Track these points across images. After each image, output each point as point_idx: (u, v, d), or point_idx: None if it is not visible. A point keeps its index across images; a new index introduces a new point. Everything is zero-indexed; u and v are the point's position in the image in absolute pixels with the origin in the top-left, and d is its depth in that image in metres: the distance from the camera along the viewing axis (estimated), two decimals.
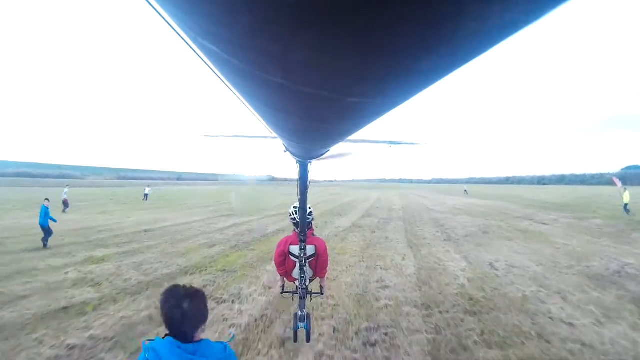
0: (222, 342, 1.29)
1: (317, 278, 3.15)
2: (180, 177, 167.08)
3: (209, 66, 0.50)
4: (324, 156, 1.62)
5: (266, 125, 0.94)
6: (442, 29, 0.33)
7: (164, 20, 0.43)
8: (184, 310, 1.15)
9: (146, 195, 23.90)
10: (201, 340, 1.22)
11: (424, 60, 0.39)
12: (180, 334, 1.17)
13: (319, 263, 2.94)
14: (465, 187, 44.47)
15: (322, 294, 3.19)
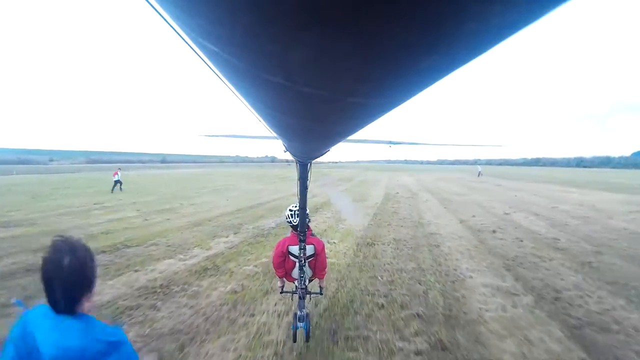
0: (115, 326, 1.10)
1: (316, 278, 3.35)
2: (164, 160, 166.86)
3: (209, 66, 0.54)
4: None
5: (266, 125, 0.99)
6: (442, 29, 0.36)
7: (164, 20, 0.46)
8: (63, 268, 0.97)
9: (119, 182, 18.15)
10: (83, 315, 1.05)
11: (424, 60, 0.43)
12: (56, 301, 1.00)
13: (318, 263, 3.13)
14: (480, 168, 46.84)
15: (321, 293, 3.42)
